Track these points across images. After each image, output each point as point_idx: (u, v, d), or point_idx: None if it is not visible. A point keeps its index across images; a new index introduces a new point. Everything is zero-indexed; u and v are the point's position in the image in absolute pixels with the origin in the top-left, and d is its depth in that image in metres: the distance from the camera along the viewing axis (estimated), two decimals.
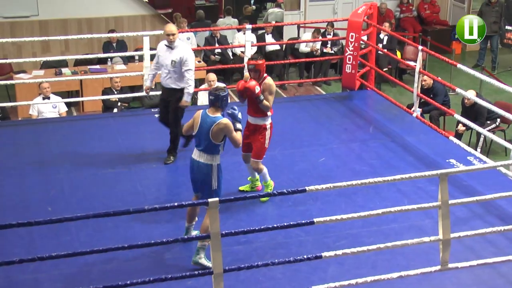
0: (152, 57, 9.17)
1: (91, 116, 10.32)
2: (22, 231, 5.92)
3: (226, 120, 5.73)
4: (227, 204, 6.37)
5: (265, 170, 6.72)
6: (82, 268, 5.66)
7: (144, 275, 5.26)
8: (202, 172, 5.75)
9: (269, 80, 6.55)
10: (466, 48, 15.21)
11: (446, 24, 15.47)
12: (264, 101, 6.45)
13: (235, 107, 5.94)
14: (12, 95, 11.78)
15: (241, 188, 6.91)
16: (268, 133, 6.62)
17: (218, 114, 5.76)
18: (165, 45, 7.38)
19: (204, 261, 5.67)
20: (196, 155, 5.79)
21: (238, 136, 5.85)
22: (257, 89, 6.38)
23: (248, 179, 6.94)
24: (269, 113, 6.58)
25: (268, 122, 6.61)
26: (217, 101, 5.76)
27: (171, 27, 7.36)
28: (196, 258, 5.69)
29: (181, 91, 7.38)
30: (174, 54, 7.29)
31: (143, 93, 9.37)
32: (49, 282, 5.50)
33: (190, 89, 7.36)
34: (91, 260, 5.68)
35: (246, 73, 6.72)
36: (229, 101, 5.88)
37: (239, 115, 5.91)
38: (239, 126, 5.88)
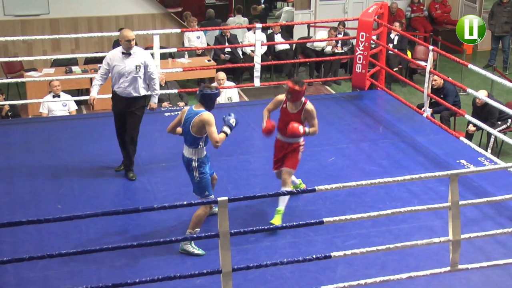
0: (163, 56, 9.22)
1: (101, 114, 10.32)
2: (31, 228, 5.95)
3: (208, 114, 5.78)
4: (236, 203, 6.39)
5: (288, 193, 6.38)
6: (91, 266, 5.67)
7: (153, 273, 5.27)
8: (186, 165, 5.95)
9: (309, 106, 6.33)
10: (477, 48, 15.14)
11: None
12: (310, 130, 6.32)
13: (232, 114, 5.95)
14: (23, 93, 11.81)
15: None
16: (301, 148, 6.44)
17: (202, 109, 5.85)
18: (122, 52, 7.01)
19: (190, 247, 5.89)
20: (184, 149, 5.94)
21: (219, 135, 5.80)
22: (301, 130, 6.25)
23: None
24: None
25: (301, 139, 6.44)
26: (199, 96, 5.85)
27: (130, 33, 6.96)
28: (183, 245, 5.89)
29: (143, 98, 7.17)
30: (136, 59, 7.01)
31: None
32: (59, 280, 5.52)
33: (158, 91, 7.30)
34: (100, 258, 5.68)
35: (265, 118, 6.42)
36: (215, 101, 5.92)
37: (232, 121, 5.89)
38: (226, 129, 5.85)
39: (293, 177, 6.67)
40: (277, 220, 6.23)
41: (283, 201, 6.31)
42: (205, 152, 5.93)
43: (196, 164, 5.85)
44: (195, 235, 5.72)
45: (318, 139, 8.24)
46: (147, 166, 7.49)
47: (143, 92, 7.12)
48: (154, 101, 7.28)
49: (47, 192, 6.94)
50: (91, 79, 11.41)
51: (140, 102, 7.16)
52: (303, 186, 6.84)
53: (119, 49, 7.07)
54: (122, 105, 7.14)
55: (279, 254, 5.83)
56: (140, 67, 7.02)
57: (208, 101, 5.85)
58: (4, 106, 9.91)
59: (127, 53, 7.00)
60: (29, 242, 5.98)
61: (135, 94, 7.08)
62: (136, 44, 7.12)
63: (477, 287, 5.58)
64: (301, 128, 6.25)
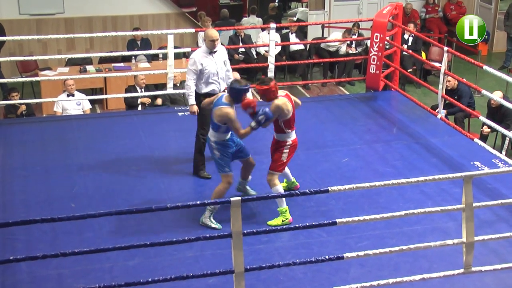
0: (177, 55, 9.24)
1: (114, 113, 10.38)
2: (45, 227, 5.98)
3: (227, 109, 6.13)
4: (249, 203, 6.40)
5: (280, 189, 6.41)
6: (104, 265, 5.69)
7: (166, 272, 5.29)
8: (208, 145, 6.43)
9: (278, 101, 6.22)
10: (492, 49, 15.07)
11: None
12: (263, 120, 6.16)
13: (267, 112, 6.17)
14: (37, 91, 11.89)
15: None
16: (287, 149, 6.39)
17: (227, 102, 6.19)
18: (209, 53, 6.97)
19: (208, 221, 6.28)
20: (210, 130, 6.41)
21: (245, 130, 6.17)
22: (249, 111, 6.22)
23: (284, 181, 6.88)
24: (288, 130, 6.35)
25: (289, 139, 6.39)
26: (229, 90, 6.24)
27: (215, 32, 6.97)
28: (202, 217, 6.30)
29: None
30: (221, 55, 7.08)
31: (167, 91, 9.44)
32: (72, 278, 5.54)
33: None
34: (113, 257, 5.70)
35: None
36: (246, 96, 6.20)
37: (261, 117, 6.14)
38: (253, 124, 6.19)
39: (289, 173, 6.78)
40: (276, 221, 6.34)
41: (279, 201, 6.40)
42: (227, 136, 6.31)
43: (215, 145, 6.31)
44: (208, 235, 5.73)
45: (332, 140, 8.25)
46: (160, 165, 7.50)
47: (224, 86, 7.20)
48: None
49: (61, 191, 6.97)
50: (105, 79, 11.53)
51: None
52: (296, 184, 6.85)
53: (203, 50, 7.00)
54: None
55: (292, 255, 5.83)
56: (226, 62, 7.17)
57: (235, 95, 6.19)
58: (20, 106, 9.97)
59: (213, 52, 7.00)
60: (43, 241, 6.01)
61: (223, 88, 7.16)
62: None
63: None
64: (249, 110, 6.18)
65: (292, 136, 6.43)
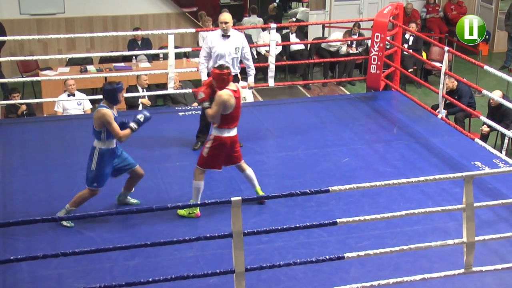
0: (177, 55, 9.24)
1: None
2: (46, 226, 5.99)
3: (104, 110, 6.03)
4: (250, 203, 6.40)
5: (201, 187, 6.37)
6: (104, 264, 5.69)
7: (166, 272, 5.28)
8: (90, 155, 6.21)
9: (221, 92, 6.16)
10: (493, 49, 15.06)
11: None
12: (208, 109, 6.23)
13: (144, 112, 6.21)
14: (38, 91, 11.89)
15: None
16: (209, 144, 6.27)
17: (105, 105, 6.11)
18: (222, 35, 7.46)
19: (64, 223, 6.18)
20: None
21: (124, 131, 6.06)
22: (200, 96, 6.33)
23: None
24: (215, 125, 6.24)
25: (214, 133, 6.27)
26: (103, 93, 6.13)
27: (226, 16, 7.46)
28: (59, 212, 6.21)
29: (236, 76, 7.56)
30: (234, 41, 7.48)
31: (167, 91, 9.45)
32: (72, 278, 5.54)
33: (254, 70, 7.84)
34: (113, 257, 5.70)
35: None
36: (118, 97, 6.10)
37: (139, 116, 6.13)
38: (132, 125, 6.11)
39: (253, 179, 6.59)
40: (183, 212, 6.39)
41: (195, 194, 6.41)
42: (112, 146, 6.21)
43: (97, 154, 6.15)
44: (208, 235, 5.73)
45: (332, 140, 8.25)
46: (161, 165, 7.50)
47: (237, 71, 7.59)
48: (251, 80, 7.88)
49: (61, 190, 6.96)
50: (105, 78, 11.52)
51: (236, 80, 7.48)
52: (260, 193, 6.59)
53: (218, 32, 7.50)
54: None
55: (292, 255, 5.83)
56: (238, 49, 7.51)
57: (110, 96, 6.10)
58: (21, 106, 9.97)
59: (226, 36, 7.45)
60: (44, 240, 6.01)
61: (233, 73, 7.38)
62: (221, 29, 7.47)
63: None
64: (200, 94, 6.33)
65: (223, 133, 6.25)
